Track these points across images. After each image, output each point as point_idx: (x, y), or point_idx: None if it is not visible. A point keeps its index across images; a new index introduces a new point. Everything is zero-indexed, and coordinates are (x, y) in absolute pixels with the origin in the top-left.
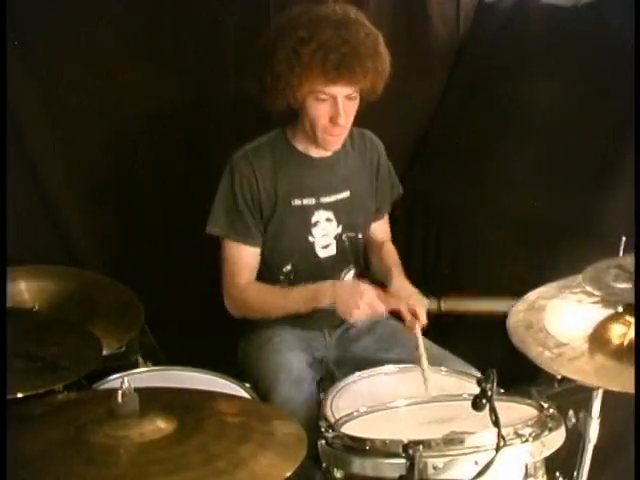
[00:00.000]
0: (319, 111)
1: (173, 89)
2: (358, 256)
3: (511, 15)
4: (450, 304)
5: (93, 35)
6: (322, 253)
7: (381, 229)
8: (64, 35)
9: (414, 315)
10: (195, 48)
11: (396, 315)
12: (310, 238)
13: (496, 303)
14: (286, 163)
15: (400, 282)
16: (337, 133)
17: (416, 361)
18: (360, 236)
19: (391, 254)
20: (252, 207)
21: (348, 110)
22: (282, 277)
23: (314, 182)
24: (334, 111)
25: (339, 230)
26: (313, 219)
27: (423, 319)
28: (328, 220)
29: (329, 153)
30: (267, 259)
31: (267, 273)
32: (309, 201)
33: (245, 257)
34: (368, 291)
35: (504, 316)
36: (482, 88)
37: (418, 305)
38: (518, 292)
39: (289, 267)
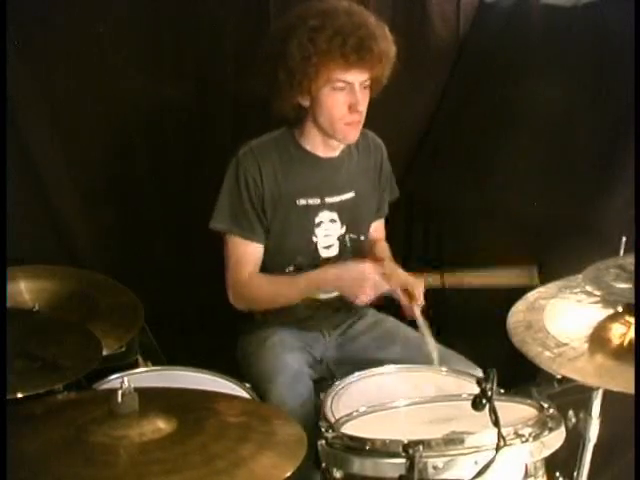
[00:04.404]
0: (337, 101)
1: (173, 89)
2: (359, 258)
3: (511, 15)
4: (452, 278)
5: (93, 35)
6: (324, 253)
7: (376, 227)
8: (64, 35)
9: (410, 296)
10: (195, 48)
11: (395, 313)
12: (314, 238)
13: (498, 273)
14: (292, 161)
15: (393, 265)
16: (356, 120)
17: (423, 339)
18: (362, 238)
19: (383, 251)
20: (256, 204)
21: (363, 99)
22: None
23: (319, 182)
24: (352, 98)
25: (342, 231)
26: (317, 219)
27: (420, 299)
28: (332, 221)
29: (335, 153)
30: (271, 259)
31: (271, 273)
32: (314, 201)
33: (249, 253)
34: (370, 272)
35: (504, 316)
36: (482, 88)
37: (414, 285)
38: (519, 262)
39: (292, 268)
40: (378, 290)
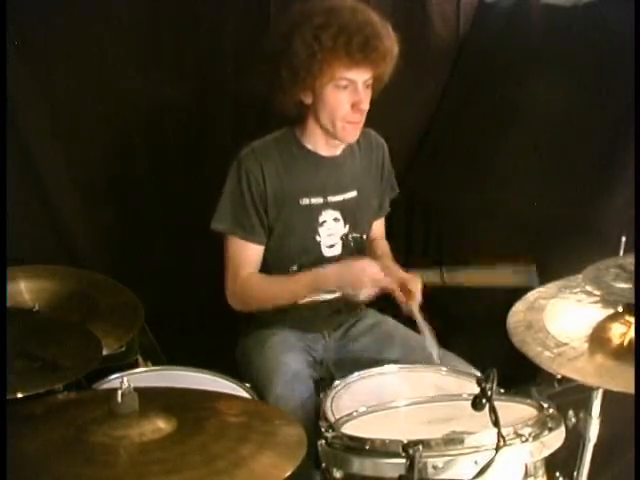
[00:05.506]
0: (340, 99)
1: (173, 89)
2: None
3: (511, 15)
4: (452, 276)
5: (93, 35)
6: (328, 253)
7: (376, 226)
8: (64, 35)
9: (408, 294)
10: (195, 48)
11: (395, 314)
12: (317, 237)
13: (497, 272)
14: (294, 161)
15: (391, 264)
16: (358, 120)
17: (421, 334)
18: (365, 237)
19: (382, 248)
20: (258, 204)
21: (366, 98)
22: None
23: (322, 181)
24: (355, 97)
25: (345, 230)
26: (320, 218)
27: (418, 296)
28: (335, 220)
29: (338, 152)
30: (274, 259)
31: (274, 273)
32: (317, 200)
33: (249, 254)
34: (369, 265)
35: (504, 316)
36: (482, 88)
37: (412, 282)
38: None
39: (295, 267)
40: (378, 285)
